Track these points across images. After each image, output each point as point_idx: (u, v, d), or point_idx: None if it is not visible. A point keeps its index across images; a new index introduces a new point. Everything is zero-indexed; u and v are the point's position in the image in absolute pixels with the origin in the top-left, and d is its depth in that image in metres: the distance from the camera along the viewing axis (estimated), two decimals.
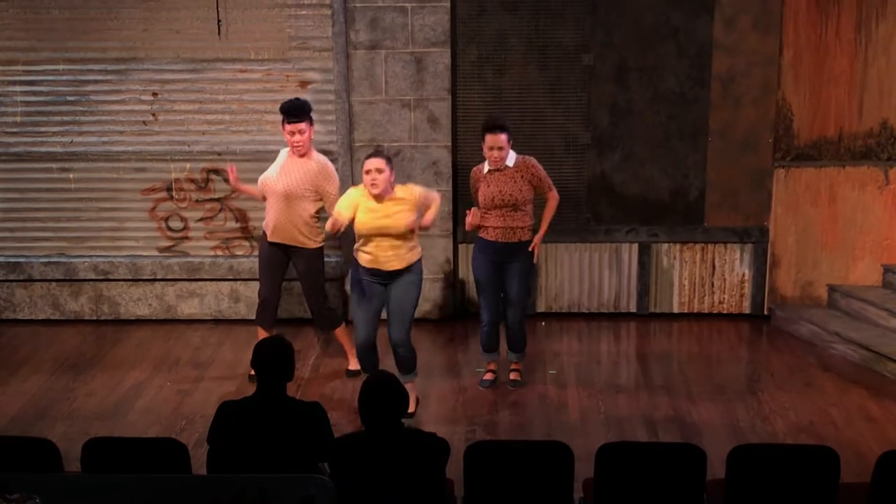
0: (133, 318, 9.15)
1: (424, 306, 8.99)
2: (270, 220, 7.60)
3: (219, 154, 8.73)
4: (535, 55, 8.80)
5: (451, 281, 9.05)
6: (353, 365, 7.78)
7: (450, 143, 8.76)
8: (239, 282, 9.03)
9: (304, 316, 9.00)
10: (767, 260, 9.04)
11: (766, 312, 9.12)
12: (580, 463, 5.28)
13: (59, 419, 7.29)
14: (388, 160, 6.95)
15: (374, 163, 6.87)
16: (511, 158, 7.40)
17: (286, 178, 7.51)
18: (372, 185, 6.83)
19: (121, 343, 8.70)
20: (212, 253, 9.07)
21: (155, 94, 8.82)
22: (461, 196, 8.90)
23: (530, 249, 7.52)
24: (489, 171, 7.41)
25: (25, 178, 8.97)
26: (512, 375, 7.83)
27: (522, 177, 7.40)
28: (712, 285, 9.13)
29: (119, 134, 8.86)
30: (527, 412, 7.38)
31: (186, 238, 9.06)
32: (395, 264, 6.98)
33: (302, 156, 7.55)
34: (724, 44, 8.73)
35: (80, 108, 8.85)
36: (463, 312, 9.15)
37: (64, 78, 8.81)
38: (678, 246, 9.08)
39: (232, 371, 8.05)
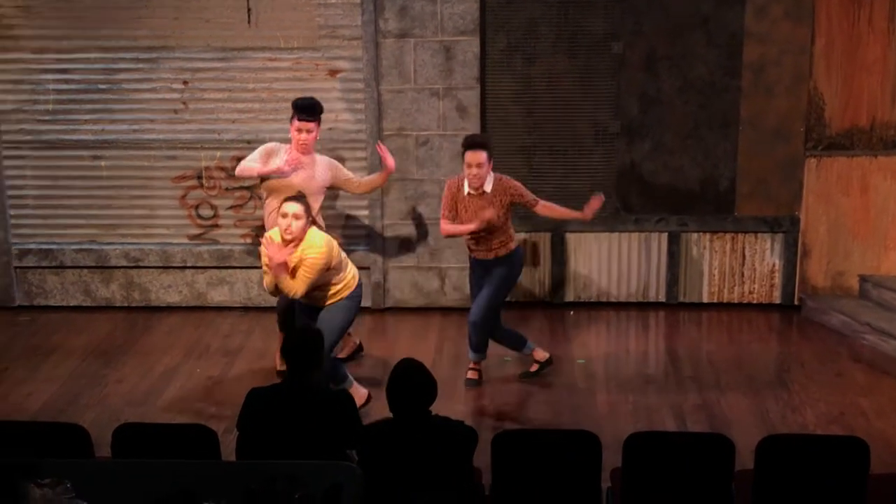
0: (164, 306, 9.21)
1: (454, 295, 9.00)
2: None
3: (248, 142, 8.75)
4: (564, 43, 8.77)
5: None
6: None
7: (478, 132, 8.75)
8: None
9: None
10: (798, 250, 8.99)
11: (796, 303, 9.06)
12: (608, 452, 5.28)
13: (90, 405, 7.35)
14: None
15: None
16: (489, 182, 7.27)
17: (301, 175, 7.48)
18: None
19: (151, 330, 8.76)
20: (241, 241, 9.11)
21: (185, 82, 8.85)
22: None
23: (592, 208, 7.44)
24: (468, 194, 7.29)
25: (58, 165, 9.03)
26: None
27: (500, 201, 7.27)
28: (742, 275, 9.08)
29: (150, 122, 8.91)
30: (555, 401, 7.38)
31: (216, 226, 9.10)
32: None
33: (306, 154, 7.55)
34: (755, 32, 8.67)
35: (112, 97, 8.90)
36: None
37: (96, 66, 8.86)
38: (708, 235, 9.04)
39: (261, 358, 8.09)
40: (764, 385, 7.60)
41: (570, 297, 9.18)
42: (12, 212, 9.11)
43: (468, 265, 7.70)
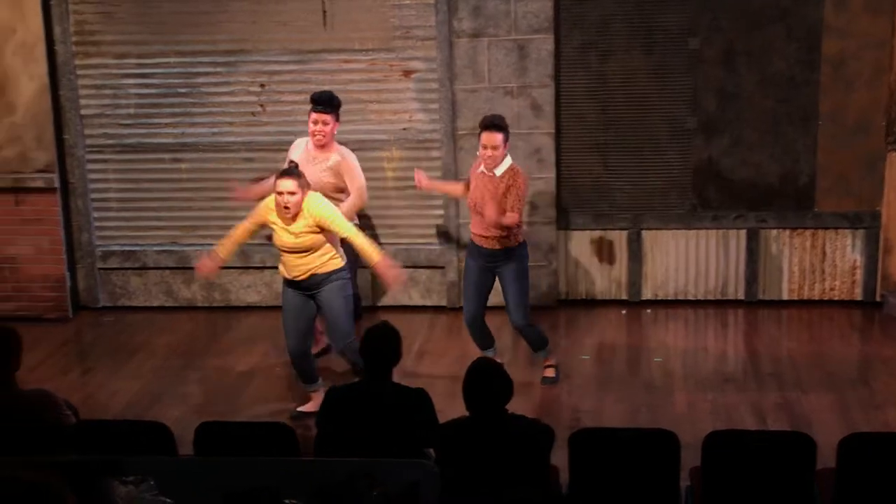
0: (243, 305, 9.32)
1: (529, 294, 8.97)
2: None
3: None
4: (639, 40, 8.71)
5: (555, 268, 9.02)
6: None
7: (553, 130, 8.73)
8: None
9: (410, 303, 9.09)
10: (880, 245, 8.83)
11: (878, 299, 8.90)
12: (687, 451, 5.24)
13: (172, 403, 7.47)
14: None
15: None
16: (503, 166, 7.20)
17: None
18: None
19: (232, 329, 8.87)
20: None
21: (263, 85, 8.96)
22: (563, 184, 8.88)
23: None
24: (481, 172, 7.27)
25: (139, 168, 9.19)
26: (546, 372, 7.68)
27: (507, 188, 7.20)
28: (823, 272, 8.95)
29: (228, 125, 9.03)
30: (632, 400, 7.34)
31: None
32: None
33: (322, 147, 7.57)
34: (834, 26, 8.54)
35: (191, 100, 9.04)
36: (566, 299, 9.12)
37: (175, 70, 9.01)
38: (787, 232, 8.92)
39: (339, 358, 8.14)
40: (845, 383, 7.48)
41: (647, 294, 9.11)
42: (96, 214, 9.29)
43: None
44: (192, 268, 9.16)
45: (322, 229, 6.78)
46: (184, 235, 9.29)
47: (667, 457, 5.11)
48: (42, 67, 8.84)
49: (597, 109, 8.84)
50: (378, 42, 8.78)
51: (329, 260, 6.90)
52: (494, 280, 7.48)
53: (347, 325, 7.02)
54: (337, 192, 7.55)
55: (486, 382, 4.97)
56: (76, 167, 9.13)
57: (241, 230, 7.04)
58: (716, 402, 7.24)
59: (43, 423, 5.17)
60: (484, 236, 7.30)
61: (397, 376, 5.65)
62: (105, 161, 9.21)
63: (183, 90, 9.03)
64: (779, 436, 5.48)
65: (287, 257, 6.89)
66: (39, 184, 8.99)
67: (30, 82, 8.86)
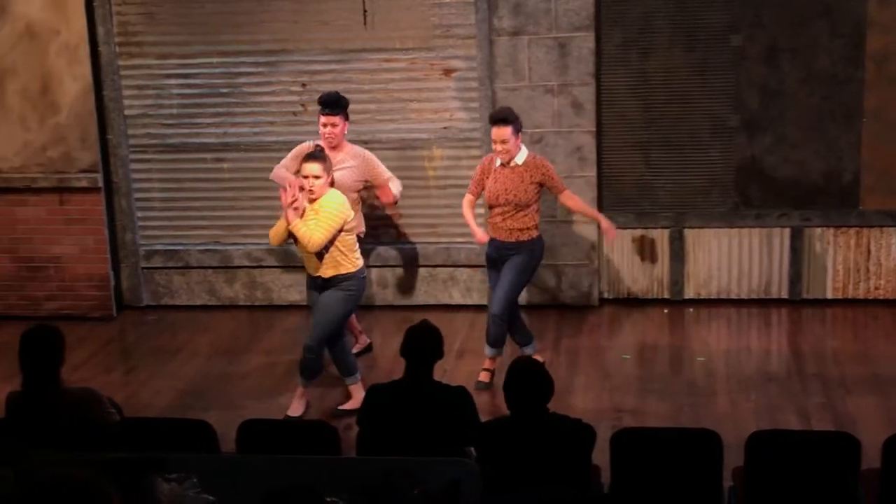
0: (285, 304, 9.36)
1: (570, 293, 8.96)
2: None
3: (365, 142, 8.84)
4: (681, 37, 8.66)
5: (597, 266, 8.99)
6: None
7: (594, 129, 8.70)
8: (386, 268, 9.15)
9: (450, 302, 9.09)
10: None
11: None
12: (730, 451, 5.20)
13: (215, 401, 7.52)
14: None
15: None
16: (522, 155, 7.24)
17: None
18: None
19: (273, 328, 8.92)
20: None
21: (304, 84, 9.00)
22: (605, 182, 8.84)
23: (609, 238, 7.59)
24: (500, 165, 7.27)
25: (182, 168, 9.26)
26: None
27: (532, 176, 7.23)
28: (868, 270, 8.85)
29: (270, 124, 9.07)
30: (674, 399, 7.29)
31: None
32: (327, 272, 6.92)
33: (333, 148, 7.58)
34: (879, 21, 8.44)
35: (233, 100, 9.10)
36: (608, 298, 9.08)
37: (217, 70, 9.06)
38: (832, 230, 8.83)
39: (380, 356, 8.17)
40: (890, 383, 7.39)
41: (689, 293, 9.06)
42: (139, 214, 9.37)
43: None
44: (233, 267, 9.26)
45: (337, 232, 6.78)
46: (226, 235, 9.35)
47: (709, 457, 5.08)
48: (86, 68, 8.93)
49: (638, 107, 8.80)
50: (418, 41, 8.79)
51: (346, 264, 6.90)
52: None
53: (331, 328, 7.02)
54: (351, 192, 7.47)
55: (528, 381, 4.96)
56: (120, 167, 9.21)
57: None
58: (759, 402, 7.18)
59: (87, 421, 5.23)
60: (512, 229, 7.31)
61: (438, 374, 5.65)
62: (148, 161, 9.29)
63: (225, 90, 9.08)
64: (823, 436, 5.43)
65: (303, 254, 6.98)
66: (84, 183, 9.08)
67: (74, 83, 8.95)
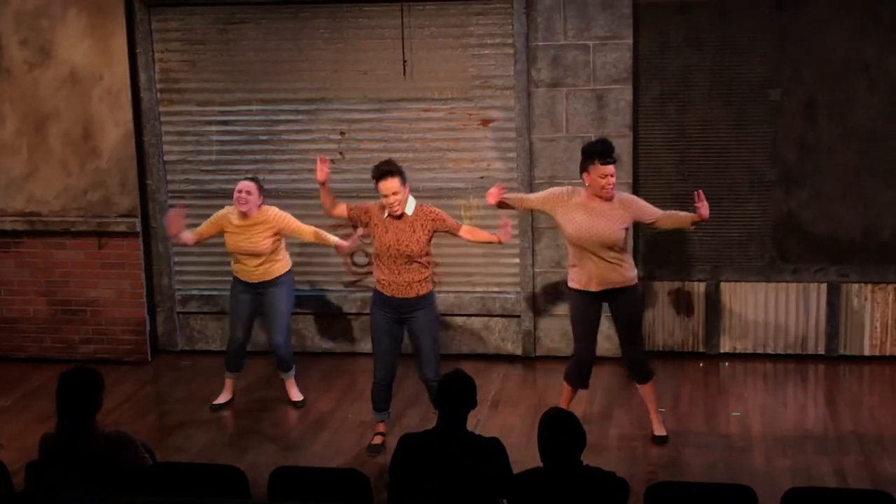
0: (319, 351, 9.37)
1: (605, 344, 8.89)
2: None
3: None
4: (719, 91, 8.67)
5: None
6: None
7: (631, 181, 8.70)
8: None
9: (484, 351, 9.07)
10: None
11: None
12: None
13: (247, 448, 7.52)
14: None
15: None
16: (410, 206, 7.09)
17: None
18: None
19: (306, 375, 8.90)
20: None
21: (343, 133, 9.07)
22: (641, 233, 8.81)
23: (503, 238, 7.25)
24: (388, 216, 7.08)
25: None
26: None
27: (423, 226, 7.08)
28: None
29: (308, 172, 9.09)
30: (709, 454, 7.22)
31: (371, 273, 9.22)
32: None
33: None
34: None
35: (272, 147, 9.18)
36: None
37: (257, 118, 9.16)
38: (870, 286, 8.76)
39: (414, 403, 8.14)
40: None
41: (725, 347, 9.00)
42: (176, 259, 9.44)
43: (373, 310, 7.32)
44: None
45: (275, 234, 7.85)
46: None
47: None
48: (127, 114, 9.04)
49: (675, 160, 8.80)
50: (457, 91, 8.85)
51: (283, 264, 8.03)
52: (404, 332, 7.31)
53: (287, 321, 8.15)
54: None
55: (560, 433, 4.93)
56: (158, 212, 9.29)
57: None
58: (795, 459, 7.10)
59: (121, 465, 5.23)
60: (406, 282, 7.11)
61: (471, 425, 5.62)
62: (186, 206, 9.34)
63: (264, 137, 9.17)
64: (860, 494, 5.35)
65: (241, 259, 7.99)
66: (122, 228, 9.17)
67: (115, 128, 9.06)
